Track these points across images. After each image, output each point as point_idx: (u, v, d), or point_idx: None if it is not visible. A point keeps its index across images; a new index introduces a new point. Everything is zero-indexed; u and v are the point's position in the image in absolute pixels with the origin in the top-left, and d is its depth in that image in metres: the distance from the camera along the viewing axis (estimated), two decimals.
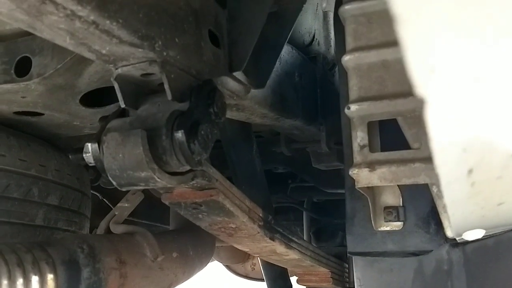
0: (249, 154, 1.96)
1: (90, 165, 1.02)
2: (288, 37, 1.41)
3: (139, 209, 1.74)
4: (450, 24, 0.37)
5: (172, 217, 1.95)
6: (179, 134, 0.93)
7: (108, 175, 0.96)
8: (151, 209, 2.47)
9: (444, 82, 0.42)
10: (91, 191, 1.87)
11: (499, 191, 0.57)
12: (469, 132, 0.46)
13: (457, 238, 1.15)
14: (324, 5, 2.08)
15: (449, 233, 1.11)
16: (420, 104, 0.97)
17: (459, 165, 0.49)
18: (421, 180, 1.04)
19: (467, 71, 0.42)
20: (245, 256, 3.56)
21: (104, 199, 2.51)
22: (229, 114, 1.51)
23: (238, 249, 3.33)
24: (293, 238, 1.54)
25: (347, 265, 2.23)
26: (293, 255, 1.58)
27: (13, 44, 1.27)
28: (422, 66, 0.40)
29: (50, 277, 1.02)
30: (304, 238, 2.51)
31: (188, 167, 0.98)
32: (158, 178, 0.93)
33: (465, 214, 0.70)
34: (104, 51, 0.93)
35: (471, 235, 1.04)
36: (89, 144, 1.00)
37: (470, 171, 0.49)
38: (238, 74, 1.23)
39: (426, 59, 0.40)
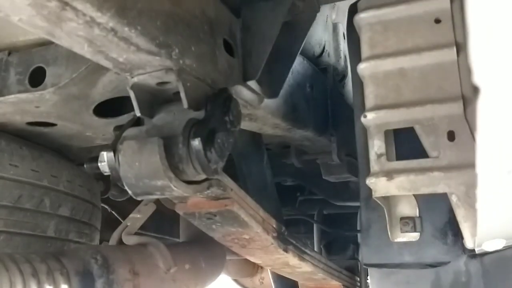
0: (260, 165, 1.95)
1: (105, 174, 1.01)
2: (301, 47, 1.41)
3: (147, 221, 1.73)
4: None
5: (183, 229, 1.94)
6: (196, 142, 0.92)
7: (124, 184, 0.95)
8: (160, 221, 2.46)
9: (501, 72, 0.42)
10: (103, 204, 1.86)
11: None
12: None
13: (476, 249, 1.13)
14: (333, 16, 2.08)
15: (469, 244, 1.09)
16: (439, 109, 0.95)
17: (500, 163, 0.48)
18: (440, 189, 1.03)
19: None
20: (253, 270, 3.52)
21: (113, 212, 2.49)
22: (242, 124, 1.50)
23: (247, 263, 3.29)
24: (306, 250, 1.52)
25: (358, 279, 2.20)
26: (306, 267, 1.56)
27: (27, 55, 1.27)
28: (482, 56, 0.40)
29: (64, 287, 1.01)
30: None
31: (204, 176, 0.97)
32: (175, 186, 0.92)
33: (494, 219, 0.68)
34: (121, 59, 0.92)
35: (491, 245, 1.03)
36: (105, 153, 0.99)
37: (509, 172, 0.48)
38: (252, 84, 1.23)
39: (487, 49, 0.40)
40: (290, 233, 1.47)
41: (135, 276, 1.21)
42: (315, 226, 2.72)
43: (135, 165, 0.92)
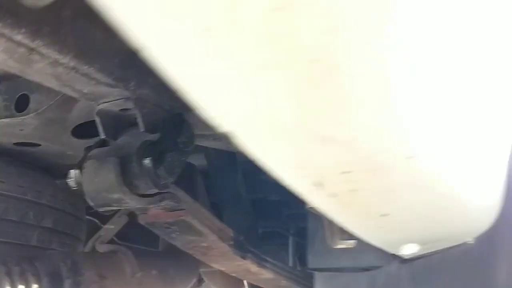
0: (234, 180, 2.10)
1: (73, 189, 1.17)
2: None
3: (134, 233, 1.88)
4: None
5: (161, 239, 2.09)
6: (147, 161, 1.08)
7: (87, 197, 1.11)
8: (148, 233, 2.60)
9: None
10: (90, 217, 2.01)
11: (369, 203, 0.70)
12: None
13: (402, 254, 1.27)
14: None
15: (390, 249, 1.24)
16: None
17: (300, 178, 0.61)
18: None
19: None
20: (240, 282, 3.62)
21: (103, 225, 2.64)
22: (208, 144, 1.66)
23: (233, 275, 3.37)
24: (267, 258, 1.67)
25: None
26: (267, 274, 1.70)
27: (14, 83, 1.45)
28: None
29: (35, 286, 1.16)
30: (290, 262, 2.62)
31: (156, 190, 1.13)
32: (129, 199, 1.08)
33: (350, 223, 0.82)
34: (85, 91, 1.09)
35: (406, 250, 1.17)
36: (73, 171, 1.15)
37: (318, 184, 0.62)
38: None
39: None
40: (252, 242, 1.61)
41: (101, 278, 1.36)
42: (290, 238, 2.85)
43: (95, 181, 1.08)
